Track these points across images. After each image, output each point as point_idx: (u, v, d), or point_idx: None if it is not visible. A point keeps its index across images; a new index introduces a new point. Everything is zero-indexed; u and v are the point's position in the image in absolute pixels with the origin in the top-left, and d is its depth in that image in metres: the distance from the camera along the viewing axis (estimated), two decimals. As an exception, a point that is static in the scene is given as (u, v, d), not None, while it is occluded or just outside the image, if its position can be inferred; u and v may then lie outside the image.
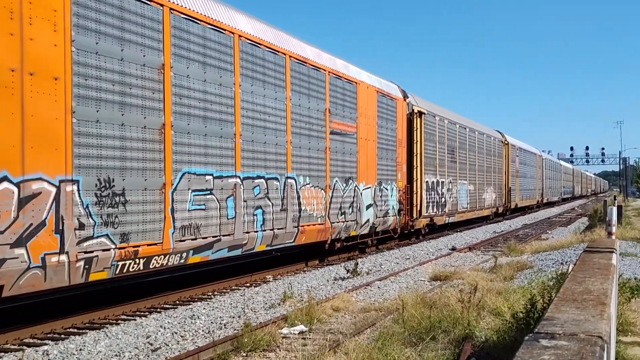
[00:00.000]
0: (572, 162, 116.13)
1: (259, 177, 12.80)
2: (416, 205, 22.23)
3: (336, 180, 16.33)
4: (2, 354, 8.06)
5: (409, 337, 8.20)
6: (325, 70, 15.89)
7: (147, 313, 10.53)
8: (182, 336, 9.06)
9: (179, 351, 8.16)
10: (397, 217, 20.74)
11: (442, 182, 25.72)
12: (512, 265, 15.21)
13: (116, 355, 8.04)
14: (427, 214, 23.44)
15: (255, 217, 12.63)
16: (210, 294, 12.41)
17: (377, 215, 19.04)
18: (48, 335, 9.11)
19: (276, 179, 13.42)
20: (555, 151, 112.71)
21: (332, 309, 10.63)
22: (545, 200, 56.85)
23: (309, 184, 14.83)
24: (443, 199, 25.80)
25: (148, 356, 8.07)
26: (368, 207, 18.31)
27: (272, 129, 13.37)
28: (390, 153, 20.35)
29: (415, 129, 22.52)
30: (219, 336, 8.80)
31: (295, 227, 14.20)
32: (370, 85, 18.92)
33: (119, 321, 9.93)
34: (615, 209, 17.42)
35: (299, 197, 14.34)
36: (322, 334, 8.88)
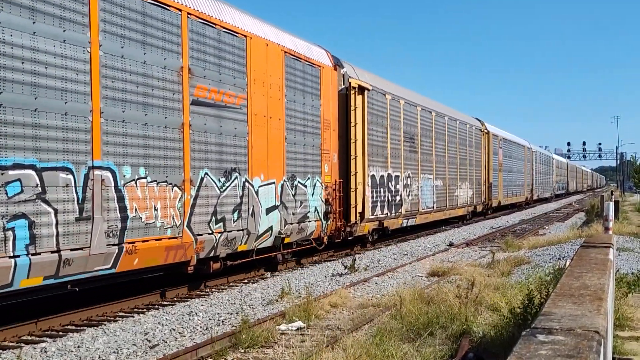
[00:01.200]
0: (569, 157, 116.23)
1: (18, 166, 7.92)
2: (355, 206, 17.54)
3: (206, 173, 11.37)
4: (0, 351, 8.06)
5: (406, 332, 8.22)
6: (180, 10, 10.84)
7: (145, 310, 10.54)
8: (180, 333, 9.07)
9: (177, 348, 8.18)
10: (324, 222, 15.84)
11: (397, 176, 21.02)
12: (509, 260, 15.24)
13: (114, 352, 8.05)
14: (373, 217, 19.02)
15: (10, 233, 7.77)
16: (208, 290, 12.42)
17: (288, 220, 14.18)
18: (46, 332, 9.11)
19: (66, 169, 8.60)
20: (552, 147, 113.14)
21: (330, 305, 10.64)
22: (535, 197, 52.33)
23: (145, 177, 9.99)
24: (398, 198, 21.07)
25: (146, 353, 8.07)
26: (270, 210, 13.49)
27: (53, 88, 8.39)
28: (310, 138, 15.38)
29: (353, 108, 17.56)
30: (217, 333, 8.81)
31: (115, 244, 9.31)
32: (273, 43, 13.78)
33: (117, 318, 9.94)
34: (612, 204, 17.44)
35: (122, 199, 9.49)
36: (320, 330, 8.90)
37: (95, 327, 9.20)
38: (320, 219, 15.74)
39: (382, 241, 21.07)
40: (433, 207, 25.41)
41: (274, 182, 13.75)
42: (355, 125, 17.74)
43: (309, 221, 15.20)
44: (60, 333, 9.02)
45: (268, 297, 11.56)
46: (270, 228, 13.51)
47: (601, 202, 25.63)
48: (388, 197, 20.25)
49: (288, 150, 14.43)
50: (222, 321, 9.77)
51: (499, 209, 39.46)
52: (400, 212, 21.37)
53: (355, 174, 17.74)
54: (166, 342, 8.56)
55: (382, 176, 19.82)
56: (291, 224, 14.37)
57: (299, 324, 9.28)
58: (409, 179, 22.40)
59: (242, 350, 8.04)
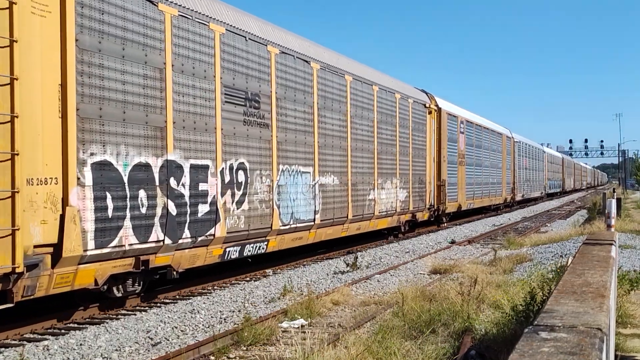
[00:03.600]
0: (571, 154, 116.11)
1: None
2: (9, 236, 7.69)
3: None
4: (3, 349, 8.07)
5: (408, 330, 8.22)
6: None
7: (147, 308, 10.55)
8: (182, 330, 9.08)
9: (180, 345, 8.18)
10: None
11: (200, 167, 11.29)
12: (511, 258, 15.24)
13: (116, 350, 8.06)
14: (108, 251, 9.22)
15: None
16: (210, 288, 12.43)
17: None
18: (48, 330, 9.13)
19: None
20: (554, 144, 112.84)
21: (332, 302, 10.65)
22: (519, 197, 43.83)
23: None
24: (205, 208, 11.34)
25: (148, 351, 8.08)
26: None
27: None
28: None
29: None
30: (219, 330, 8.81)
31: None
32: None
33: (119, 316, 9.95)
34: (614, 201, 17.44)
35: None
36: (322, 328, 8.90)
37: (98, 325, 9.21)
38: None
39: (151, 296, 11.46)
40: (314, 221, 15.22)
41: None
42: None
43: None
44: (63, 331, 9.03)
45: (270, 295, 11.57)
46: None
47: (603, 199, 25.62)
48: (167, 207, 10.42)
49: None
50: (225, 319, 9.77)
51: (462, 214, 30.36)
52: (213, 235, 11.52)
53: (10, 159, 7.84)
54: (168, 340, 8.57)
55: (140, 166, 9.94)
56: None
57: (301, 321, 9.28)
58: (241, 172, 12.49)
59: (244, 348, 8.05)
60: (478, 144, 32.39)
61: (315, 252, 17.27)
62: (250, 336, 8.16)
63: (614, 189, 35.10)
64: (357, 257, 15.18)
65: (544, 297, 7.33)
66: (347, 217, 17.27)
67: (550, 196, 63.04)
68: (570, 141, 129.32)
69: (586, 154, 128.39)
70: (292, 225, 14.37)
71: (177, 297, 11.58)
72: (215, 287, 12.50)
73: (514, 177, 41.94)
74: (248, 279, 13.57)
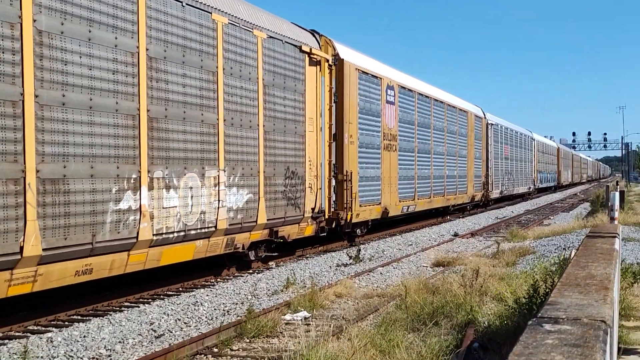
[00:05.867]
0: (574, 147, 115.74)
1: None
2: None
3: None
4: (7, 341, 8.10)
5: (411, 322, 8.22)
6: None
7: (150, 300, 10.58)
8: (185, 323, 9.10)
9: (183, 338, 8.21)
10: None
11: None
12: (514, 250, 15.23)
13: (120, 341, 8.08)
14: None
15: None
16: (213, 280, 12.45)
17: None
18: (52, 322, 9.16)
19: None
20: (557, 137, 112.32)
21: (335, 295, 10.66)
22: (496, 194, 35.32)
23: None
24: None
25: (152, 343, 8.11)
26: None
27: None
28: None
29: None
30: (222, 323, 8.83)
31: None
32: None
33: (123, 308, 9.98)
34: (617, 194, 17.39)
35: None
36: (325, 320, 8.91)
37: (101, 317, 9.24)
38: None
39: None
40: None
41: None
42: None
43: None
44: (66, 323, 9.06)
45: (273, 287, 11.59)
46: None
47: (606, 192, 25.57)
48: None
49: None
50: (228, 311, 9.79)
51: (393, 221, 21.87)
52: None
53: None
54: (172, 332, 8.59)
55: None
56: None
57: (304, 313, 9.30)
58: None
59: (248, 340, 8.07)
60: (423, 122, 23.37)
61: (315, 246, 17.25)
62: (253, 328, 8.18)
63: (617, 181, 34.95)
64: (359, 250, 15.20)
65: (547, 290, 7.33)
66: (20, 253, 7.79)
67: (542, 191, 54.40)
68: (574, 134, 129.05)
69: (589, 147, 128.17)
70: None
71: (180, 289, 11.60)
72: (219, 280, 12.52)
73: (487, 169, 33.15)
74: (251, 271, 13.58)
